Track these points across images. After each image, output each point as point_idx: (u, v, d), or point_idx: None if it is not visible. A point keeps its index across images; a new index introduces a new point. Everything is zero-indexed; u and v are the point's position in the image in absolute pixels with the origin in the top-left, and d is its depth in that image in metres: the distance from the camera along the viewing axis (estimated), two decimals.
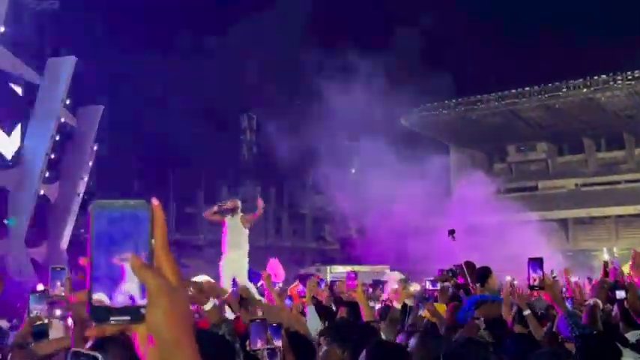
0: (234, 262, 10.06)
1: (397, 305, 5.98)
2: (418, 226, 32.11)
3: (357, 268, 27.57)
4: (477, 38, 46.01)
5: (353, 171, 40.93)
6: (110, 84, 29.35)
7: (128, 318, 0.86)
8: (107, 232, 0.87)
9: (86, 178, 31.70)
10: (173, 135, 30.43)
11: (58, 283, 3.91)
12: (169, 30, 30.11)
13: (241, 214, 10.36)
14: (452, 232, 9.23)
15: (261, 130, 47.13)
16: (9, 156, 28.82)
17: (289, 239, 48.43)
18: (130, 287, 0.86)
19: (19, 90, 29.21)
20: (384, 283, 11.66)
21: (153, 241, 0.89)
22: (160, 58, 30.78)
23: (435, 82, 38.99)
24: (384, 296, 9.01)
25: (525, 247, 24.76)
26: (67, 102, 29.37)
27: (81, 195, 31.13)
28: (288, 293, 8.82)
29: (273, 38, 34.05)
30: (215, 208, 10.49)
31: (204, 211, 11.54)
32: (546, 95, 43.04)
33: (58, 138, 29.13)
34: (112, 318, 0.85)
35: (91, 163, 31.80)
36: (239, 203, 10.49)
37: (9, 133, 28.93)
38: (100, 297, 0.86)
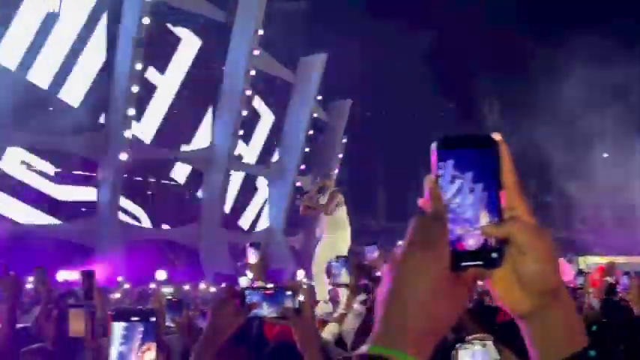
0: (331, 247, 8.50)
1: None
2: None
3: (612, 258, 25.98)
4: None
5: (605, 155, 38.41)
6: (359, 78, 30.39)
7: (480, 262, 0.82)
8: (453, 173, 0.85)
9: (336, 170, 33.19)
10: (418, 128, 30.88)
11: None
12: (408, 27, 30.45)
13: (334, 189, 9.08)
14: None
15: (502, 118, 46.12)
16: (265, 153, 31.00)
17: None
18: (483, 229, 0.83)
19: (274, 89, 31.37)
20: None
21: (503, 179, 0.86)
22: (404, 55, 31.27)
23: None
24: None
25: None
26: (319, 98, 31.01)
27: None
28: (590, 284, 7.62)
29: (513, 25, 33.03)
30: (305, 201, 9.24)
31: None
32: None
33: (311, 132, 30.89)
34: (463, 263, 0.82)
35: (340, 156, 33.21)
36: (327, 182, 9.16)
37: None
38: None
